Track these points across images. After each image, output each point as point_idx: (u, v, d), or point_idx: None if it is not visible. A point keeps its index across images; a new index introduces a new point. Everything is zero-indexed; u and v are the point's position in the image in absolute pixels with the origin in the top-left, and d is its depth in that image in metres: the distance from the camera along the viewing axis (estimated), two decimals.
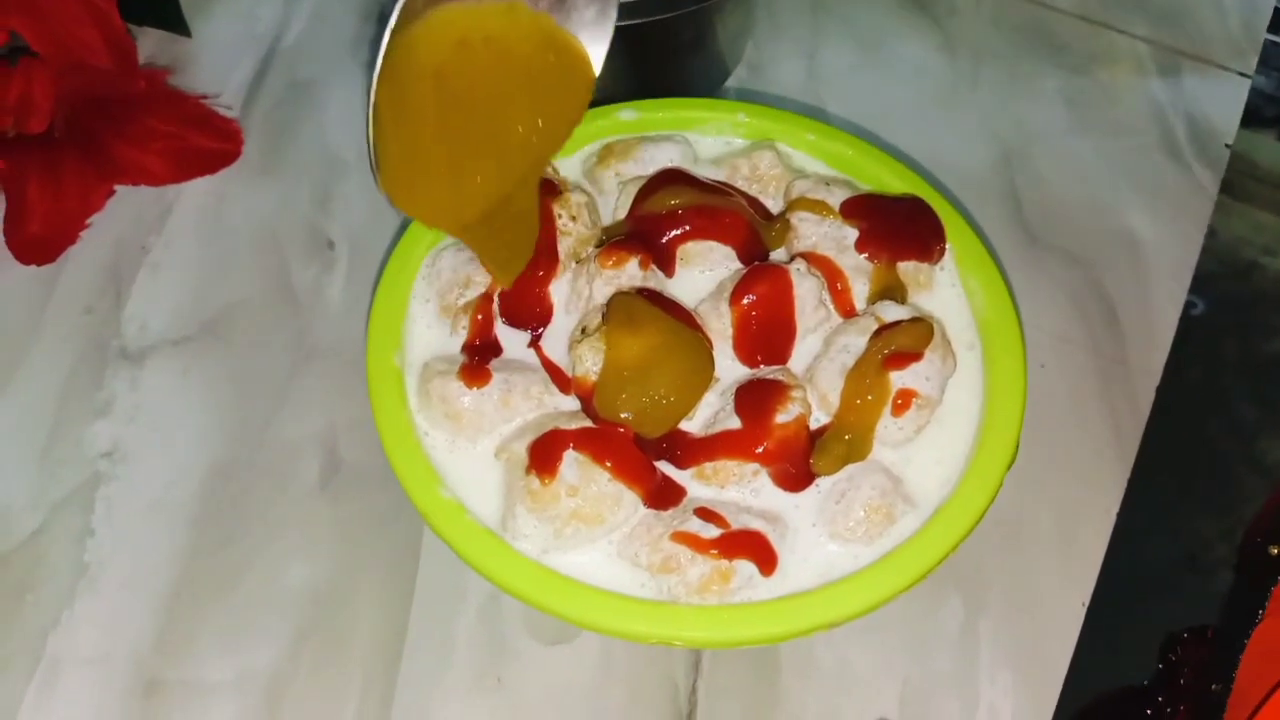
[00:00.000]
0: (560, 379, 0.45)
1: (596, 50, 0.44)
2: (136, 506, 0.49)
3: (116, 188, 0.58)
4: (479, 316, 0.46)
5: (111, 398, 0.52)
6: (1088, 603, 0.48)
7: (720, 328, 0.45)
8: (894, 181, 0.50)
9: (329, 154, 0.61)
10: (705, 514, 0.41)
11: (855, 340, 0.44)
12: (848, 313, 0.47)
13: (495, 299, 0.46)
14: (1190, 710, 0.47)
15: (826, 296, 0.46)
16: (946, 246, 0.48)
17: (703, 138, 0.52)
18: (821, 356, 0.45)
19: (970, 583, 0.48)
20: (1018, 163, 0.62)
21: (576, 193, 0.48)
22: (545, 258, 0.46)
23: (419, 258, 0.48)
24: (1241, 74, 0.67)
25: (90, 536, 0.49)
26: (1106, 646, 0.48)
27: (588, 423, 0.43)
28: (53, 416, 0.52)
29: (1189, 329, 0.56)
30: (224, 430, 0.52)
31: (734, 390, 0.44)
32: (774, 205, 0.50)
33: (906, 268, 0.47)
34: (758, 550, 0.41)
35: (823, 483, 0.43)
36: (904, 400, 0.43)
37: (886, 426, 0.43)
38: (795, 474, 0.43)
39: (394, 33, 0.39)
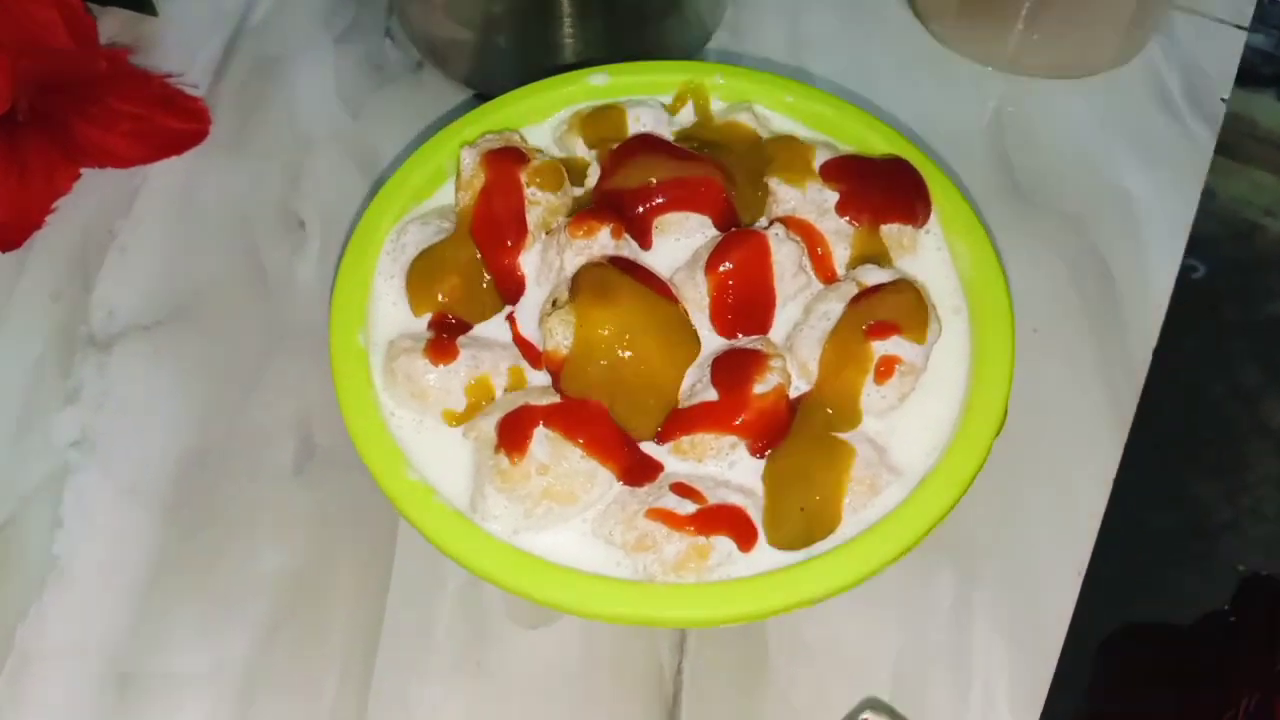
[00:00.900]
0: (531, 354, 0.44)
1: None
2: (107, 496, 0.48)
3: (82, 170, 0.57)
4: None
5: (80, 385, 0.51)
6: (1083, 572, 0.47)
7: (696, 297, 0.44)
8: (877, 141, 0.49)
9: (299, 132, 0.60)
10: (681, 489, 0.40)
11: (836, 307, 0.43)
12: (829, 278, 0.45)
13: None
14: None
15: (806, 262, 0.45)
16: (931, 208, 0.47)
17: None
18: (801, 324, 0.43)
19: (963, 554, 0.47)
20: (1008, 122, 0.61)
21: (545, 160, 0.46)
22: (514, 228, 0.44)
23: (383, 233, 0.46)
24: (1237, 26, 0.65)
25: (59, 527, 0.48)
26: (1105, 616, 0.47)
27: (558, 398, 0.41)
28: (19, 406, 0.51)
29: (1189, 293, 0.55)
30: (196, 416, 0.50)
31: (711, 361, 0.42)
32: None
33: (890, 231, 0.46)
34: (736, 525, 0.39)
35: None
36: (887, 367, 0.41)
37: (869, 394, 0.42)
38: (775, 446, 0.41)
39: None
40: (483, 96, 0.53)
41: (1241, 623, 0.49)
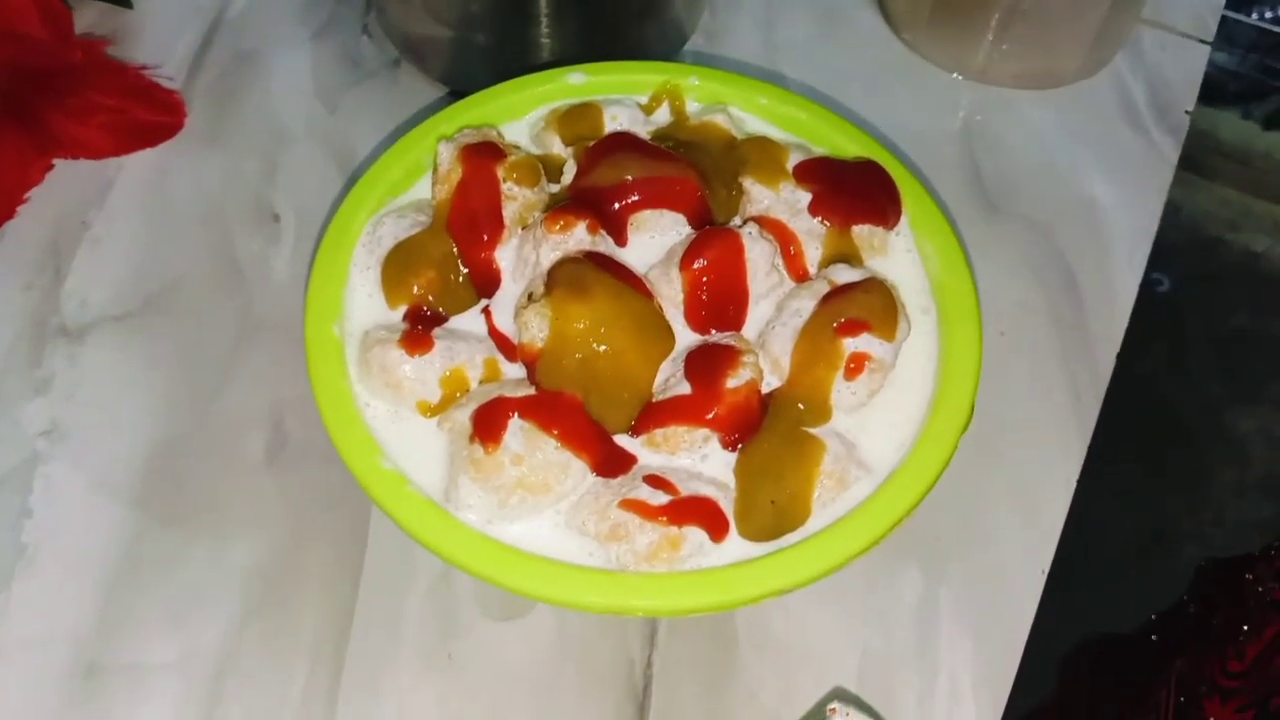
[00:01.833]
0: (506, 347, 0.44)
1: None
2: (76, 486, 0.48)
3: (55, 161, 0.57)
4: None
5: (50, 375, 0.51)
6: (1047, 570, 0.47)
7: (671, 294, 0.44)
8: (849, 146, 0.50)
9: (274, 126, 0.60)
10: (655, 481, 0.40)
11: (807, 304, 0.43)
12: (800, 277, 0.46)
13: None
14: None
15: (779, 261, 0.45)
16: (902, 211, 0.47)
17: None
18: (774, 321, 0.44)
19: (929, 552, 0.47)
20: (977, 130, 0.62)
21: (522, 155, 0.47)
22: (490, 223, 0.45)
23: (360, 225, 0.46)
24: (1201, 40, 0.66)
25: (28, 517, 0.47)
26: (1074, 599, 0.48)
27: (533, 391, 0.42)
28: None
29: (1153, 305, 0.56)
30: (167, 407, 0.50)
31: (684, 356, 0.43)
32: None
33: (861, 232, 0.47)
34: (708, 516, 0.40)
35: None
36: (857, 364, 0.42)
37: (840, 391, 0.42)
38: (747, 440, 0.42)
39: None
40: (459, 94, 0.53)
41: (1195, 606, 0.50)
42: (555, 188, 0.48)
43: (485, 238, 0.45)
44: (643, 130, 0.49)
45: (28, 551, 0.46)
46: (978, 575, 0.47)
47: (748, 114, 0.51)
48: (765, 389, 0.43)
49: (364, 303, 0.45)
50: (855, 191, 0.47)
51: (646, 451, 0.42)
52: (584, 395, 0.41)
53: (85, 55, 0.56)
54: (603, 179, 0.46)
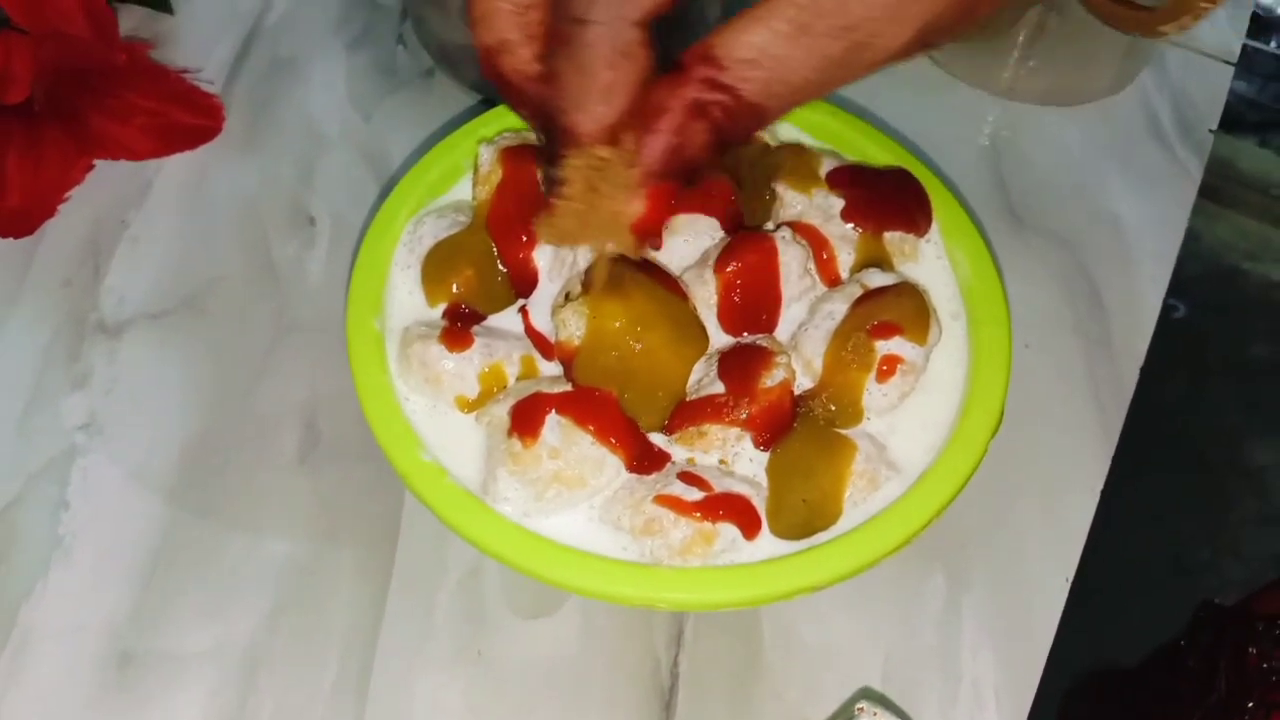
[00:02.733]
0: (543, 345, 0.45)
1: None
2: (113, 479, 0.49)
3: (96, 162, 0.58)
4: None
5: (89, 370, 0.52)
6: (1071, 579, 0.48)
7: (705, 296, 0.45)
8: (880, 154, 0.50)
9: (311, 131, 0.61)
10: (688, 478, 0.41)
11: (840, 307, 0.44)
12: (832, 281, 0.46)
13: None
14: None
15: (811, 265, 0.46)
16: (932, 219, 0.48)
17: None
18: (806, 324, 0.45)
19: (954, 559, 0.48)
20: (1004, 145, 0.62)
21: None
22: (529, 225, 0.45)
23: (401, 224, 0.47)
24: (1225, 61, 0.67)
25: (65, 509, 0.48)
26: (1091, 624, 0.48)
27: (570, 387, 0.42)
28: (29, 388, 0.51)
29: (1170, 331, 0.56)
30: (202, 403, 0.51)
31: (717, 356, 0.43)
32: None
33: (892, 238, 0.47)
34: (741, 513, 0.40)
35: None
36: (889, 366, 0.43)
37: (871, 393, 0.43)
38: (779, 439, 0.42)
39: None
40: (491, 103, 0.54)
41: (1192, 652, 0.50)
42: None
43: (524, 238, 0.46)
44: None
45: (65, 542, 0.47)
46: (1002, 582, 0.47)
47: (780, 121, 0.52)
48: (797, 390, 0.44)
49: (404, 300, 0.46)
50: (887, 198, 0.47)
51: (680, 449, 0.43)
52: (619, 393, 0.42)
53: (129, 58, 0.56)
54: None
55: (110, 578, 0.46)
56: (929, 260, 0.48)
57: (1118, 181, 0.61)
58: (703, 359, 0.44)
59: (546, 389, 0.42)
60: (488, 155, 0.47)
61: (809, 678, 0.45)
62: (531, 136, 0.49)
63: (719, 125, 0.33)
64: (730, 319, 0.45)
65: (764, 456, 0.42)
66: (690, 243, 0.46)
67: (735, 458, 0.42)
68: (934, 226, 0.48)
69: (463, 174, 0.50)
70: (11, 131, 0.55)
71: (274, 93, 0.62)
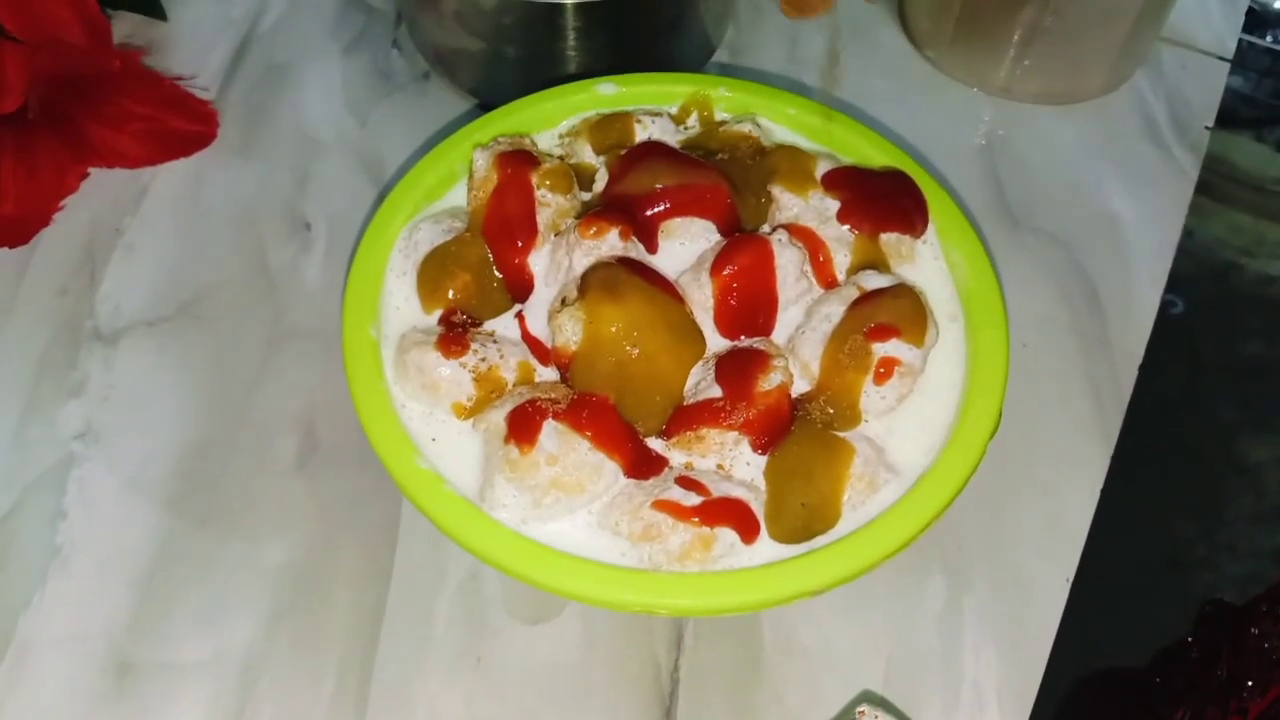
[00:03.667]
0: (540, 351, 0.45)
1: None
2: (110, 487, 0.49)
3: (91, 169, 0.58)
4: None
5: (85, 378, 0.52)
6: (1071, 578, 0.47)
7: (701, 299, 0.45)
8: (876, 156, 0.50)
9: (306, 136, 0.61)
10: (686, 482, 0.41)
11: (837, 309, 0.44)
12: (829, 284, 0.46)
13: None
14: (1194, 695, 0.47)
15: (808, 267, 0.46)
16: (929, 220, 0.48)
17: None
18: (803, 326, 0.44)
19: (954, 560, 0.48)
20: (999, 145, 0.62)
21: (555, 163, 0.47)
22: (524, 229, 0.45)
23: (396, 230, 0.47)
24: (1220, 59, 0.67)
25: (63, 518, 0.48)
26: (1091, 624, 0.48)
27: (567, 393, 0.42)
28: (25, 397, 0.51)
29: (1168, 328, 0.56)
30: (199, 410, 0.51)
31: (715, 359, 0.43)
32: None
33: (889, 240, 0.47)
34: (739, 518, 0.40)
35: None
36: (886, 368, 0.42)
37: (869, 395, 0.43)
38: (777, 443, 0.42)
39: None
40: (487, 107, 0.54)
41: (1198, 650, 0.50)
42: (587, 195, 0.48)
43: (519, 243, 0.45)
44: (673, 139, 0.50)
45: (63, 552, 0.47)
46: (1002, 583, 0.47)
47: (776, 124, 0.52)
48: (795, 393, 0.44)
49: (400, 306, 0.46)
50: (883, 199, 0.47)
51: (678, 454, 0.43)
52: (616, 398, 0.42)
53: (123, 64, 0.56)
54: (634, 186, 0.46)
55: (108, 587, 0.46)
56: (926, 261, 0.48)
57: (1114, 180, 0.61)
58: (700, 363, 0.44)
59: (544, 395, 0.42)
60: (483, 160, 0.47)
61: (810, 681, 0.45)
62: (526, 141, 0.49)
63: None
64: (727, 322, 0.45)
65: (762, 460, 0.42)
66: (686, 246, 0.46)
67: (733, 462, 0.42)
68: (930, 228, 0.48)
69: (458, 179, 0.50)
70: (6, 140, 0.55)
71: (269, 98, 0.62)
